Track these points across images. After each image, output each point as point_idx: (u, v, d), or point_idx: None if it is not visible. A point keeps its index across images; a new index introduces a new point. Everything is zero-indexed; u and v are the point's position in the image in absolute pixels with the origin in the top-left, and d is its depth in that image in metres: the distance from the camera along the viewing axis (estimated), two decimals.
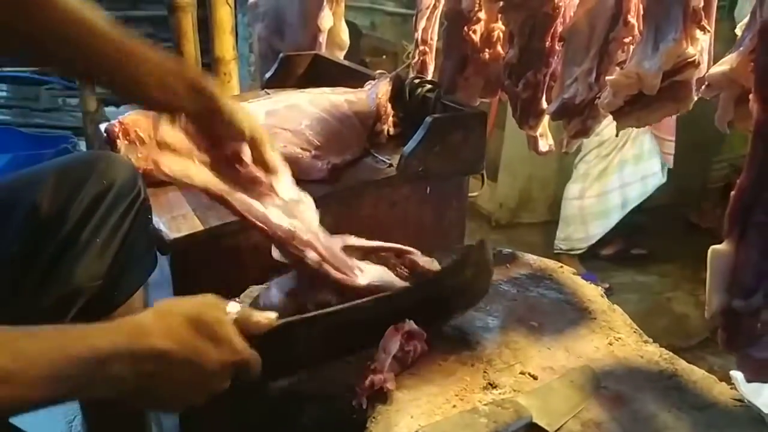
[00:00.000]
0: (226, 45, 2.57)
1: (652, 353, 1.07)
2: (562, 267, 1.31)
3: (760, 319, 0.68)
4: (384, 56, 3.77)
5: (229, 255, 1.30)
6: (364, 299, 0.99)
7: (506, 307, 1.15)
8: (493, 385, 0.95)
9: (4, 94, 4.88)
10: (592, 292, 1.22)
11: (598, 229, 3.12)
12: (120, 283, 1.08)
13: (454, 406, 0.89)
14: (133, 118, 1.46)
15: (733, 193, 0.69)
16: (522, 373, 0.98)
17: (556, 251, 3.27)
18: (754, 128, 0.68)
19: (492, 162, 3.52)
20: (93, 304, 1.05)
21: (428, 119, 1.38)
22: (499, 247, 1.39)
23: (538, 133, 1.47)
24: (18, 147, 3.22)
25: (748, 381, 0.78)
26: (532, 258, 1.33)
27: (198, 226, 1.27)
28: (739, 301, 0.69)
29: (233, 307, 0.82)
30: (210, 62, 2.61)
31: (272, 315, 0.87)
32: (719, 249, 0.70)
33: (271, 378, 0.94)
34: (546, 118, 1.47)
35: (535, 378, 0.97)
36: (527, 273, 1.27)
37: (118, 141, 1.43)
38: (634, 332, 1.12)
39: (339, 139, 1.45)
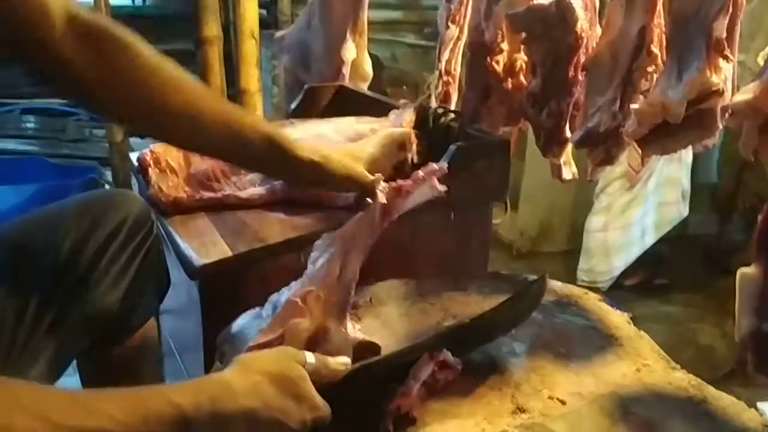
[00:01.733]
0: (251, 77, 2.63)
1: (681, 380, 1.06)
2: (587, 293, 1.31)
3: None
4: (405, 87, 3.82)
5: (258, 280, 1.32)
6: (425, 339, 1.01)
7: (533, 333, 1.15)
8: (521, 410, 0.95)
9: (32, 125, 4.99)
10: (618, 319, 1.22)
11: (620, 262, 3.11)
12: (135, 310, 1.11)
13: (483, 429, 0.90)
14: (164, 148, 1.50)
15: (760, 216, 0.69)
16: (550, 398, 0.98)
17: (578, 283, 3.26)
18: None
19: (512, 191, 3.52)
20: (110, 329, 1.08)
21: (452, 147, 1.40)
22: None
23: (561, 161, 1.48)
24: (46, 177, 3.29)
25: None
26: (557, 284, 1.34)
27: (227, 252, 1.29)
28: None
29: (310, 358, 0.84)
30: (235, 94, 2.67)
31: (346, 360, 0.90)
32: (748, 272, 0.71)
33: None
34: (569, 147, 1.48)
35: (563, 403, 0.98)
36: (553, 299, 1.27)
37: (149, 170, 1.47)
38: (662, 359, 1.12)
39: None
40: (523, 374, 1.04)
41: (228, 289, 1.29)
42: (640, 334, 1.18)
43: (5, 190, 3.05)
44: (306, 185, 1.15)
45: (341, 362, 0.89)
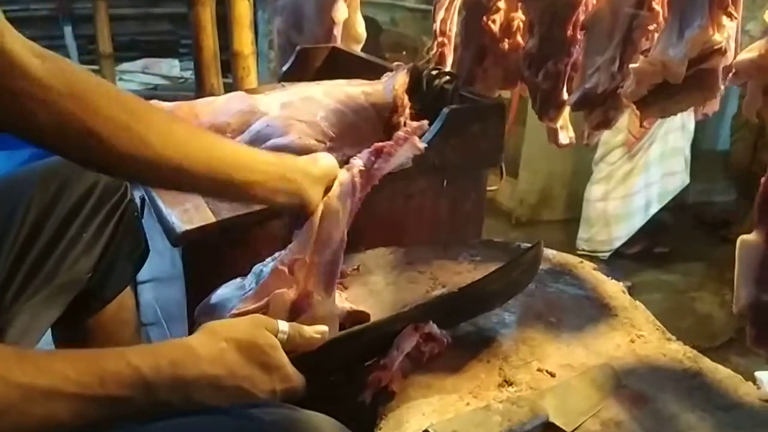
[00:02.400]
0: (244, 40, 2.57)
1: (676, 351, 1.03)
2: (582, 262, 1.27)
3: None
4: (404, 52, 3.74)
5: (244, 248, 1.27)
6: (408, 307, 0.97)
7: (524, 303, 1.11)
8: (509, 383, 0.91)
9: None
10: (613, 288, 1.19)
11: (622, 232, 3.07)
12: (109, 279, 1.08)
13: (468, 403, 0.86)
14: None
15: (763, 179, 0.65)
16: (539, 370, 0.95)
17: (578, 252, 3.22)
18: None
19: (512, 158, 3.48)
20: (83, 298, 1.05)
21: (445, 110, 1.35)
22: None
23: (558, 125, 1.43)
24: None
25: None
26: (551, 253, 1.30)
27: (210, 218, 1.25)
28: None
29: (283, 326, 0.81)
30: (228, 57, 2.60)
31: (323, 329, 0.86)
32: (748, 239, 0.66)
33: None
34: (566, 110, 1.43)
35: (552, 375, 0.94)
36: (546, 268, 1.23)
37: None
38: (657, 330, 1.08)
39: (354, 131, 1.42)
40: (512, 345, 1.00)
41: (212, 256, 1.25)
42: (635, 304, 1.15)
43: None
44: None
45: (318, 330, 0.85)
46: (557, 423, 0.82)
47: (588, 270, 1.24)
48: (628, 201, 3.03)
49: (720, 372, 0.98)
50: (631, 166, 2.98)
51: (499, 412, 0.78)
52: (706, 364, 1.00)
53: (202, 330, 0.77)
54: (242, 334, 0.77)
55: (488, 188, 1.59)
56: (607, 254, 3.13)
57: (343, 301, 1.05)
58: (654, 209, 2.95)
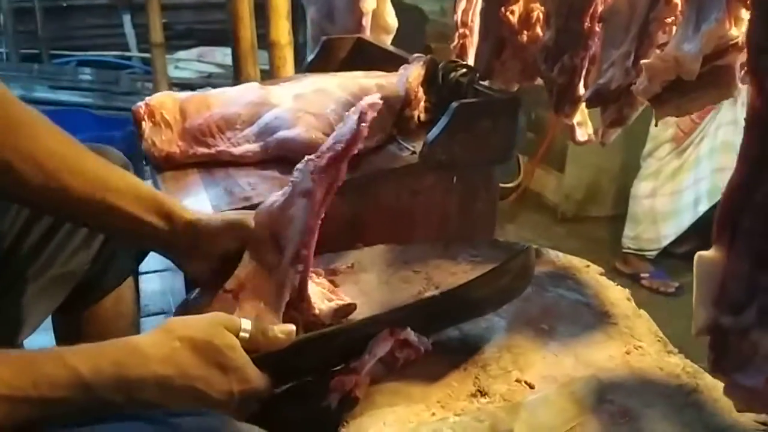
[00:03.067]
0: (281, 29, 2.56)
1: (674, 365, 0.96)
2: (588, 266, 1.21)
3: (749, 340, 0.59)
4: (449, 42, 3.67)
5: None
6: (387, 311, 0.95)
7: (517, 308, 1.07)
8: (482, 393, 0.87)
9: (88, 77, 5.08)
10: (617, 295, 1.13)
11: (670, 230, 2.95)
12: (108, 271, 1.07)
13: (434, 413, 0.83)
14: (159, 100, 1.46)
15: (724, 190, 0.59)
16: (518, 381, 0.90)
17: (624, 250, 3.12)
18: (746, 116, 0.58)
19: (559, 152, 3.39)
20: (81, 289, 1.05)
21: (453, 104, 1.31)
22: (563, 241, 1.29)
23: (575, 122, 1.37)
24: (89, 128, 3.33)
25: (738, 411, 0.68)
26: (556, 255, 1.24)
27: (210, 210, 1.24)
28: (727, 318, 0.59)
29: (246, 325, 0.79)
30: (265, 47, 2.61)
31: (290, 328, 0.84)
32: (706, 256, 0.61)
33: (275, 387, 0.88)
34: (584, 106, 1.37)
35: (531, 387, 0.90)
36: (548, 271, 1.18)
37: (143, 123, 1.43)
38: (658, 341, 1.02)
39: None
40: (495, 353, 0.96)
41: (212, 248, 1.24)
42: (639, 312, 1.09)
43: None
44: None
45: (284, 330, 0.83)
46: None
47: (593, 275, 1.18)
48: (677, 198, 2.90)
49: (718, 390, 0.90)
50: (681, 162, 2.85)
51: (451, 426, 0.74)
52: (706, 380, 0.93)
53: (159, 327, 0.75)
54: (198, 333, 0.75)
55: (506, 185, 1.54)
56: (655, 253, 3.02)
57: (326, 298, 1.02)
58: (704, 207, 2.82)
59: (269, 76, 2.59)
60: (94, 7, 5.39)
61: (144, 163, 1.50)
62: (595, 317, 1.07)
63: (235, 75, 2.63)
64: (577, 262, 1.23)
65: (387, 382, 0.89)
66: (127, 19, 5.41)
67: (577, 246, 3.16)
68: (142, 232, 0.88)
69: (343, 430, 0.82)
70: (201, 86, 3.83)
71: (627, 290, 1.15)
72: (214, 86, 1.50)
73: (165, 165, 1.41)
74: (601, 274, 1.19)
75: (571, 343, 1.00)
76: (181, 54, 5.22)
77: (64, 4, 5.38)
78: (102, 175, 0.85)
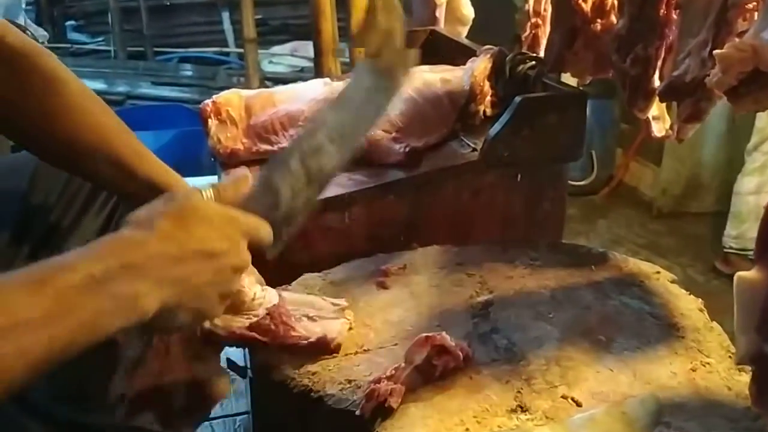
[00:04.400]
0: None
1: (744, 385, 0.87)
2: (659, 272, 1.13)
3: None
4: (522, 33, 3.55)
5: (299, 239, 1.26)
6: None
7: (574, 316, 1.01)
8: (523, 409, 0.82)
9: (188, 73, 5.27)
10: (688, 305, 1.04)
11: None
12: None
13: (467, 429, 0.78)
14: (226, 98, 1.48)
15: (765, 206, 0.52)
16: (564, 397, 0.84)
17: (725, 249, 2.93)
18: None
19: (656, 144, 3.22)
20: None
21: (517, 99, 1.25)
22: (659, 239, 1.20)
23: (651, 116, 1.27)
24: (183, 123, 3.44)
25: None
26: (624, 260, 1.16)
27: None
28: None
29: (207, 193, 0.73)
30: (347, 41, 2.61)
31: (244, 172, 0.79)
32: (747, 277, 0.53)
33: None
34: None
35: (578, 405, 0.84)
36: (612, 277, 1.10)
37: (209, 120, 1.45)
38: (729, 357, 0.93)
39: (423, 121, 1.36)
40: (542, 365, 0.90)
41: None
42: (711, 325, 1.00)
43: (146, 135, 3.22)
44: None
45: (240, 176, 0.79)
46: None
47: (663, 282, 1.10)
48: None
49: None
50: None
51: None
52: None
53: (125, 226, 0.68)
54: (167, 208, 0.68)
55: (577, 183, 1.46)
56: None
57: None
58: None
59: (350, 69, 2.58)
60: (196, 5, 5.58)
61: (213, 159, 1.52)
62: (661, 329, 0.99)
63: (316, 69, 2.64)
64: (646, 267, 1.14)
65: (424, 392, 0.85)
66: (225, 16, 5.57)
67: (674, 244, 2.99)
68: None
69: None
70: (293, 80, 3.86)
71: (700, 300, 1.06)
72: (305, 80, 1.53)
73: (229, 161, 1.43)
74: (673, 282, 1.10)
75: (629, 358, 0.93)
76: (276, 49, 5.32)
77: (168, 3, 5.59)
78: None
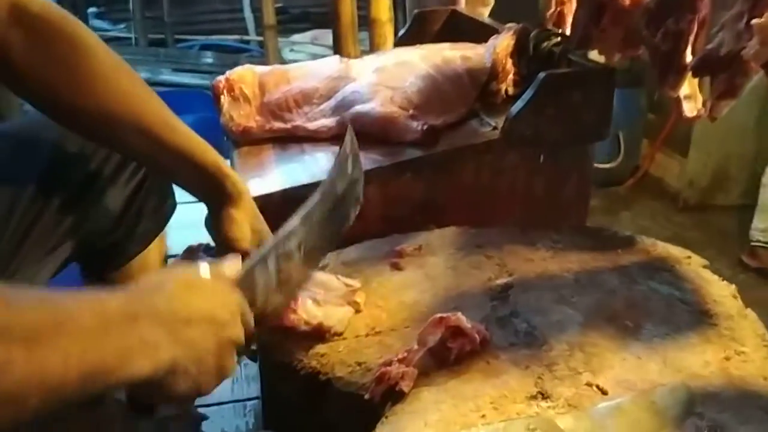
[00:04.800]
0: (382, 6, 2.50)
1: None
2: (690, 257, 1.07)
3: None
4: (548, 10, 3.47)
5: None
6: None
7: (598, 301, 0.95)
8: (544, 396, 0.77)
9: (209, 60, 5.24)
10: (721, 291, 0.98)
11: None
12: (132, 236, 1.04)
13: (483, 416, 0.73)
14: (239, 74, 1.44)
15: None
16: (589, 384, 0.79)
17: (752, 242, 2.85)
18: None
19: (683, 134, 3.14)
20: (106, 253, 1.02)
21: (540, 75, 1.19)
22: (685, 231, 1.15)
23: (681, 95, 1.21)
24: (202, 108, 3.41)
25: None
26: (653, 244, 1.10)
27: (276, 187, 1.20)
28: None
29: (204, 270, 0.69)
30: (366, 24, 2.55)
31: (236, 258, 0.75)
32: None
33: None
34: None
35: (604, 393, 0.78)
36: (640, 261, 1.05)
37: (222, 97, 1.41)
38: (765, 346, 0.87)
39: (442, 99, 1.30)
40: (565, 351, 0.85)
41: (272, 226, 1.20)
42: (745, 312, 0.94)
43: None
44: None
45: (231, 262, 0.73)
46: None
47: (695, 267, 1.04)
48: None
49: None
50: None
51: None
52: None
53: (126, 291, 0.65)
54: (165, 275, 0.67)
55: (603, 165, 1.40)
56: None
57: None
58: None
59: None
60: None
61: (225, 138, 1.48)
62: (692, 316, 0.93)
63: (335, 53, 2.59)
64: (676, 252, 1.08)
65: (438, 377, 0.80)
66: (246, 3, 5.53)
67: (700, 237, 2.91)
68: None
69: (380, 426, 0.74)
70: None
71: (733, 286, 1.00)
72: None
73: (242, 139, 1.39)
74: (705, 267, 1.04)
75: (659, 345, 0.87)
76: (296, 37, 5.27)
77: None
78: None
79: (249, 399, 1.54)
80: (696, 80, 1.23)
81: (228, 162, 0.94)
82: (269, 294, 0.75)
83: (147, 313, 0.58)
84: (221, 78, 1.42)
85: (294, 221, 0.80)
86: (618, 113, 2.98)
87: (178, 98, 3.71)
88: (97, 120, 0.84)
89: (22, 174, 0.95)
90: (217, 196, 0.91)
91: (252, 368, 1.57)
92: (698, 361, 0.84)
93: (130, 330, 0.56)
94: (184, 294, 0.63)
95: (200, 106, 3.56)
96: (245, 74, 1.43)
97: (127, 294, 0.60)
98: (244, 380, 1.59)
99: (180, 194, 1.04)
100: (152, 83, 4.89)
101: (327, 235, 0.87)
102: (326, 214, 0.85)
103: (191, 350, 0.61)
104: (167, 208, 1.10)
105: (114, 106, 0.84)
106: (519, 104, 1.19)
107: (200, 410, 1.44)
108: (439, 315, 0.82)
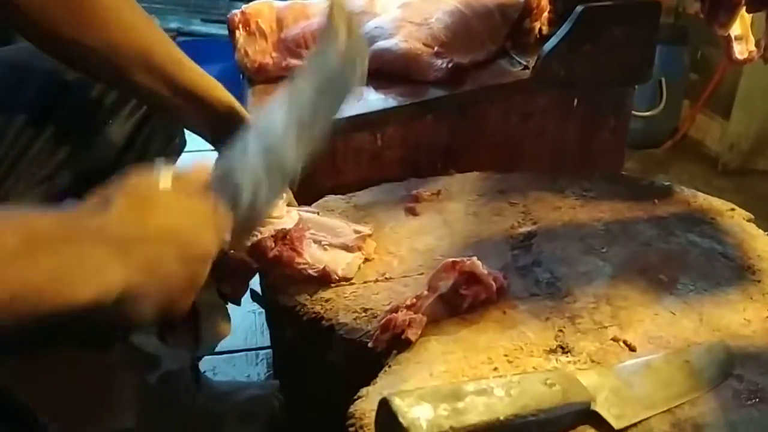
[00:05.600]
0: None
1: None
2: (734, 209, 0.98)
3: None
4: None
5: (326, 160, 1.14)
6: None
7: (631, 252, 0.87)
8: (564, 349, 0.69)
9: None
10: (766, 247, 0.89)
11: None
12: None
13: (496, 368, 0.66)
14: (256, 8, 1.36)
15: None
16: (615, 339, 0.71)
17: None
18: None
19: (726, 95, 2.99)
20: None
21: (578, 9, 1.09)
22: (724, 196, 1.07)
23: (732, 34, 1.10)
24: (225, 58, 3.34)
25: None
26: (693, 195, 1.01)
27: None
28: None
29: (165, 178, 0.61)
30: None
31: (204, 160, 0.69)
32: None
33: None
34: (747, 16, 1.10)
35: (632, 349, 0.70)
36: (678, 212, 0.96)
37: (237, 32, 1.34)
38: None
39: (469, 36, 1.21)
40: (590, 303, 0.77)
41: None
42: None
43: None
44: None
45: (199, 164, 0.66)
46: (604, 415, 0.59)
47: (738, 220, 0.95)
48: None
49: None
50: None
51: (509, 386, 0.57)
52: None
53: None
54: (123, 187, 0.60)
55: (642, 113, 1.30)
56: None
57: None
58: None
59: None
60: None
61: (241, 76, 1.41)
62: (733, 271, 0.84)
63: None
64: (718, 204, 0.99)
65: (448, 325, 0.73)
66: None
67: (740, 202, 2.77)
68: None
69: (383, 375, 0.67)
70: None
71: None
72: None
73: (257, 77, 1.32)
74: (749, 221, 0.95)
75: (695, 301, 0.79)
76: None
77: None
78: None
79: (261, 348, 1.50)
80: (748, 20, 1.12)
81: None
82: (256, 189, 0.67)
83: (88, 235, 0.53)
84: (236, 11, 1.35)
85: (278, 101, 0.72)
86: (660, 72, 2.84)
87: (206, 47, 3.65)
88: (100, 55, 0.78)
89: (14, 100, 0.89)
90: (228, 138, 0.84)
91: (264, 317, 1.53)
92: (738, 320, 0.76)
93: (64, 251, 0.51)
94: (135, 211, 0.56)
95: (222, 54, 3.49)
96: (262, 8, 1.35)
97: (64, 213, 0.54)
98: (257, 329, 1.55)
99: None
100: (182, 33, 4.84)
101: (322, 111, 0.77)
102: (318, 87, 0.75)
103: (149, 272, 0.55)
104: (176, 146, 1.04)
105: (118, 40, 0.78)
106: (553, 41, 1.10)
107: (212, 358, 1.41)
108: (452, 259, 0.75)
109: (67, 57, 0.82)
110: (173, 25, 4.95)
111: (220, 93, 0.84)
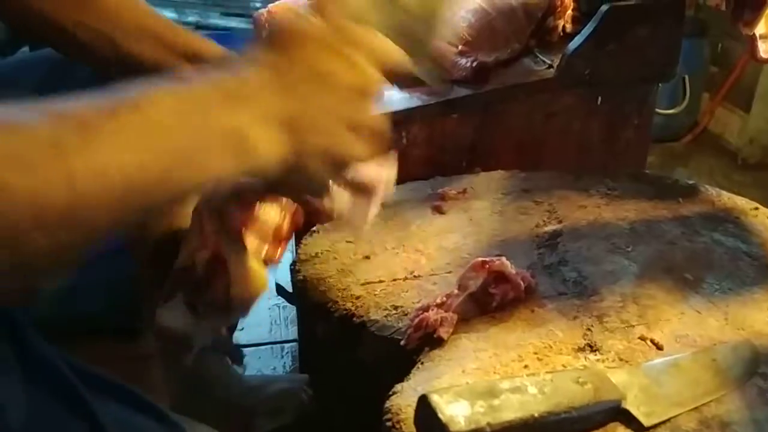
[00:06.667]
0: None
1: None
2: (758, 208, 0.99)
3: None
4: None
5: None
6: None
7: (656, 251, 0.88)
8: (593, 348, 0.71)
9: (257, 5, 5.18)
10: None
11: None
12: None
13: (526, 366, 0.68)
14: (282, 6, 1.37)
15: None
16: (642, 338, 0.73)
17: None
18: None
19: (747, 89, 2.98)
20: None
21: (603, 8, 1.10)
22: (743, 190, 1.07)
23: (757, 33, 1.11)
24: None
25: None
26: (717, 194, 1.02)
27: None
28: None
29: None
30: None
31: None
32: None
33: None
34: None
35: (659, 348, 0.72)
36: (703, 211, 0.97)
37: (263, 32, 1.35)
38: None
39: (493, 35, 1.22)
40: (617, 302, 0.78)
41: None
42: None
43: None
44: None
45: None
46: (634, 412, 0.61)
47: (762, 219, 0.96)
48: None
49: None
50: None
51: (542, 384, 0.59)
52: None
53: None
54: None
55: (665, 111, 1.31)
56: None
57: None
58: None
59: None
60: None
61: None
62: (758, 270, 0.85)
63: None
64: (742, 203, 1.00)
65: (478, 323, 0.75)
66: None
67: (759, 196, 2.76)
68: None
69: (416, 372, 0.69)
70: None
71: None
72: None
73: None
74: None
75: (720, 300, 0.80)
76: None
77: None
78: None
79: (286, 341, 1.52)
80: None
81: None
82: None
83: (217, 102, 0.47)
84: (263, 10, 1.36)
85: None
86: (679, 65, 2.83)
87: (224, 41, 3.69)
88: (99, 33, 0.79)
89: (20, 81, 0.91)
90: None
91: (290, 311, 1.56)
92: (763, 318, 0.78)
93: (189, 125, 0.46)
94: (275, 58, 0.51)
95: (238, 47, 3.53)
96: (289, 7, 1.36)
97: (189, 83, 0.48)
98: (282, 323, 1.58)
99: None
100: (200, 27, 4.87)
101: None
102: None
103: (298, 121, 0.50)
104: None
105: (112, 16, 0.79)
106: (578, 39, 1.11)
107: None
108: (481, 259, 0.76)
109: (63, 40, 0.81)
110: (191, 18, 4.98)
111: (220, 50, 0.82)
